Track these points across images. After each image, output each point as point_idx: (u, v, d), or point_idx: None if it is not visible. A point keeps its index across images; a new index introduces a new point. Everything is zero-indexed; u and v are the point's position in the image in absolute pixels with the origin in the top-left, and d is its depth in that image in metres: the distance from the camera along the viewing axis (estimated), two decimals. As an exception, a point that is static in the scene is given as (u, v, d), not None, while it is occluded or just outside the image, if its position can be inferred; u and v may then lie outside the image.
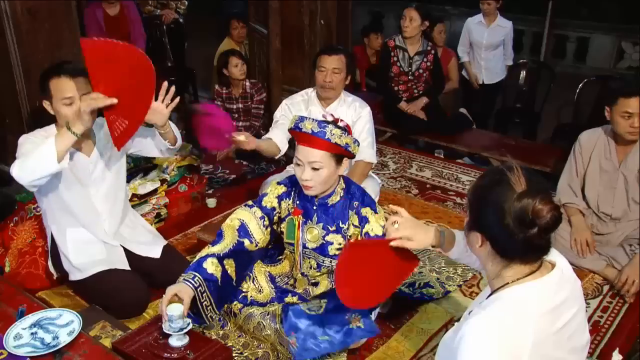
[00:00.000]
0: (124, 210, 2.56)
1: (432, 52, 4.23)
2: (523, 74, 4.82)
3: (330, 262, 2.24)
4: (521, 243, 1.27)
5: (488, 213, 1.29)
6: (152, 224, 2.97)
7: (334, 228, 2.20)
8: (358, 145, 2.13)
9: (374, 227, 2.15)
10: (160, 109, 2.22)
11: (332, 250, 2.21)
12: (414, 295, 2.54)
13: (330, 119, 2.16)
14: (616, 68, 7.38)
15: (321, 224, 2.20)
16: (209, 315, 2.06)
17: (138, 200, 3.03)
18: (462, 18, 8.65)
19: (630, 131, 2.66)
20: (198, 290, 1.98)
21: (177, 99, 2.26)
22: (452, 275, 2.73)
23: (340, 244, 2.20)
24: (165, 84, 2.22)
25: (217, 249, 2.11)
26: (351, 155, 2.12)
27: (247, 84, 4.19)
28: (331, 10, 4.54)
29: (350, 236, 2.20)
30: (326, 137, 2.01)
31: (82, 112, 2.02)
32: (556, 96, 4.73)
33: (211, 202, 3.44)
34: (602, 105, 2.79)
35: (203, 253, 2.11)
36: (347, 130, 2.12)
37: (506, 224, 1.25)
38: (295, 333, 2.00)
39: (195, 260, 2.09)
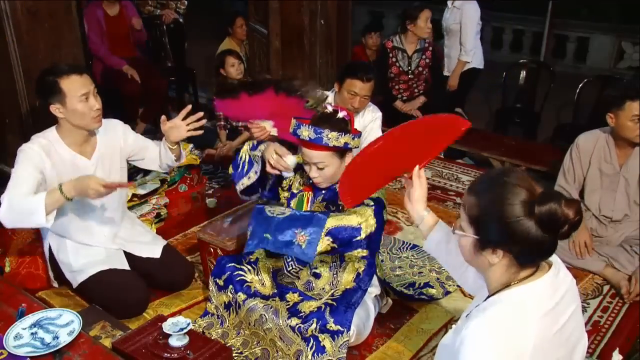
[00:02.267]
0: (123, 212, 2.56)
1: (430, 48, 4.23)
2: (523, 74, 4.80)
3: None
4: (548, 246, 1.25)
5: (511, 227, 1.23)
6: (152, 224, 2.98)
7: (334, 208, 2.24)
8: (359, 137, 2.17)
9: None
10: (182, 127, 2.33)
11: None
12: (414, 295, 2.54)
13: (330, 109, 2.18)
14: (616, 68, 7.37)
15: (324, 204, 2.25)
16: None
17: (138, 200, 3.03)
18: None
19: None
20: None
21: (201, 132, 2.39)
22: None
23: None
24: (189, 107, 2.36)
25: None
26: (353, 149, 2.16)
27: (246, 83, 4.19)
28: (331, 10, 4.53)
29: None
30: (324, 143, 2.06)
31: (92, 193, 2.04)
32: (556, 96, 4.73)
33: (211, 202, 3.44)
34: (602, 106, 2.76)
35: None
36: (347, 122, 2.15)
37: (535, 232, 1.22)
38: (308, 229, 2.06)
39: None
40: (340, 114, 2.15)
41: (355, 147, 2.16)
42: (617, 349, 2.19)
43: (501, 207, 1.24)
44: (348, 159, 2.18)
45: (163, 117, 2.36)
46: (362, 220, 2.07)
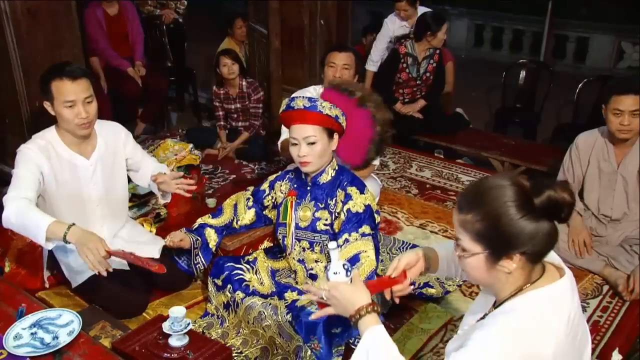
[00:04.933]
0: (123, 213, 2.56)
1: (437, 52, 4.22)
2: (523, 74, 4.80)
3: (321, 237, 2.27)
4: (554, 234, 1.24)
5: (520, 225, 1.20)
6: (151, 224, 2.98)
7: (322, 205, 2.25)
8: (346, 118, 2.19)
9: (357, 204, 2.19)
10: (171, 185, 2.37)
11: (320, 225, 2.26)
12: (414, 294, 2.54)
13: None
14: (616, 68, 7.37)
15: (313, 202, 2.27)
16: (197, 266, 2.42)
17: (138, 200, 3.03)
18: (462, 18, 8.71)
19: (620, 129, 2.65)
20: (194, 251, 2.38)
21: (189, 195, 2.46)
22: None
23: (327, 219, 2.25)
24: (181, 174, 2.43)
25: (216, 222, 2.45)
26: (341, 129, 2.18)
27: (244, 83, 4.17)
28: (331, 10, 4.54)
29: (338, 213, 2.23)
30: (318, 110, 2.10)
31: (91, 253, 1.97)
32: (556, 96, 4.73)
33: (211, 202, 3.43)
34: (602, 106, 2.78)
35: (203, 221, 2.45)
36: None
37: (542, 223, 1.21)
38: (314, 336, 1.96)
39: (196, 225, 2.44)
40: None
41: (343, 127, 2.18)
42: (617, 348, 2.19)
43: (504, 211, 1.21)
44: (335, 141, 2.20)
45: (154, 177, 2.40)
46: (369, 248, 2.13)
